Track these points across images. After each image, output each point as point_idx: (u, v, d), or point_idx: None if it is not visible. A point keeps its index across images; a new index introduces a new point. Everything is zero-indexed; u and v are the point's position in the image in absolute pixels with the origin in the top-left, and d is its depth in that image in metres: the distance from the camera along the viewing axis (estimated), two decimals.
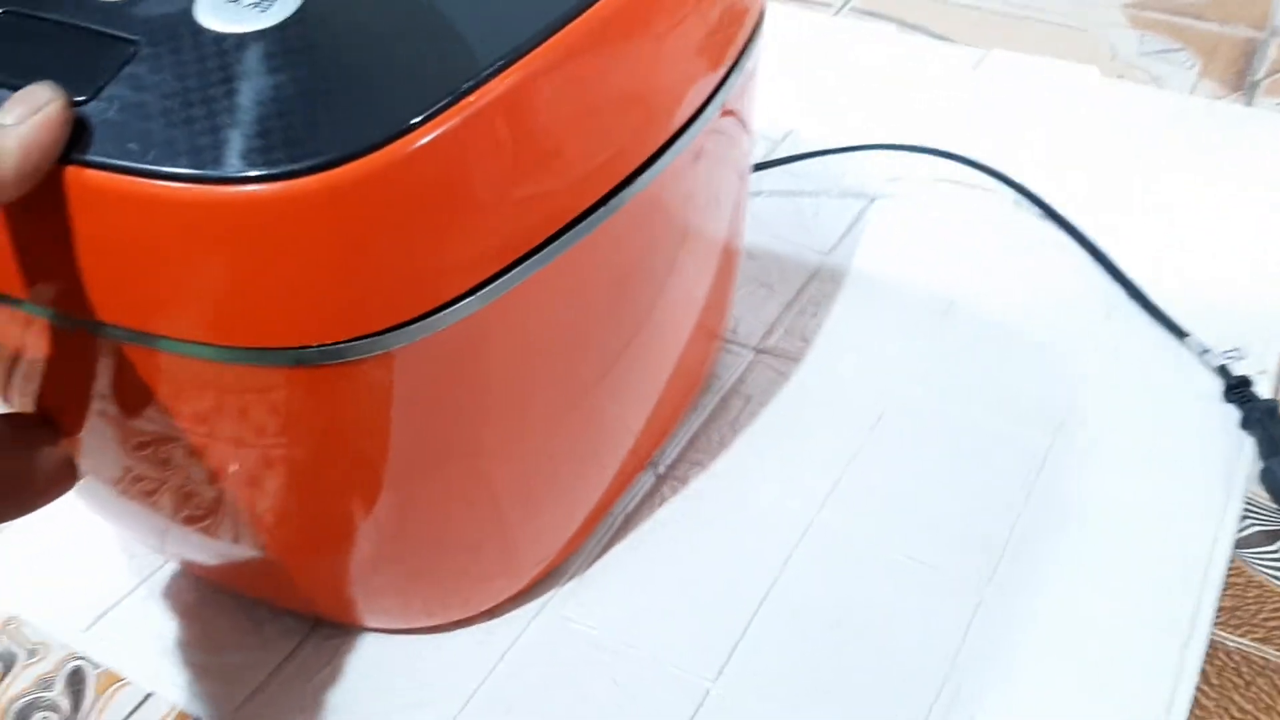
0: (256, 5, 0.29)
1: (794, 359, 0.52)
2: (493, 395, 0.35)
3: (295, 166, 0.26)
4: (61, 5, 0.29)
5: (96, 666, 0.41)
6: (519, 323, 0.33)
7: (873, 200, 0.60)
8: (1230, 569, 0.42)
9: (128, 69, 0.28)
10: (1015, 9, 0.79)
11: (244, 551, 0.38)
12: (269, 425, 0.32)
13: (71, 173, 0.27)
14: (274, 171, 0.26)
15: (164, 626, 0.43)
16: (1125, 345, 0.51)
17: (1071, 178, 0.60)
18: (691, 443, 0.48)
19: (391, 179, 0.27)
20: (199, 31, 0.28)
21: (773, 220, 0.60)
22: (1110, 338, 0.51)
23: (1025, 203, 0.59)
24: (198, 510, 0.36)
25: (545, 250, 0.32)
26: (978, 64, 0.71)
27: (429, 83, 0.28)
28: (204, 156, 0.26)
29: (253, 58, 0.28)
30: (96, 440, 0.34)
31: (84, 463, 0.35)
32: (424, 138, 0.27)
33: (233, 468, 0.33)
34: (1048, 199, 0.58)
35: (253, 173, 0.26)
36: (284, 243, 0.27)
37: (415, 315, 0.30)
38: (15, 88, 0.27)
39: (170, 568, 0.45)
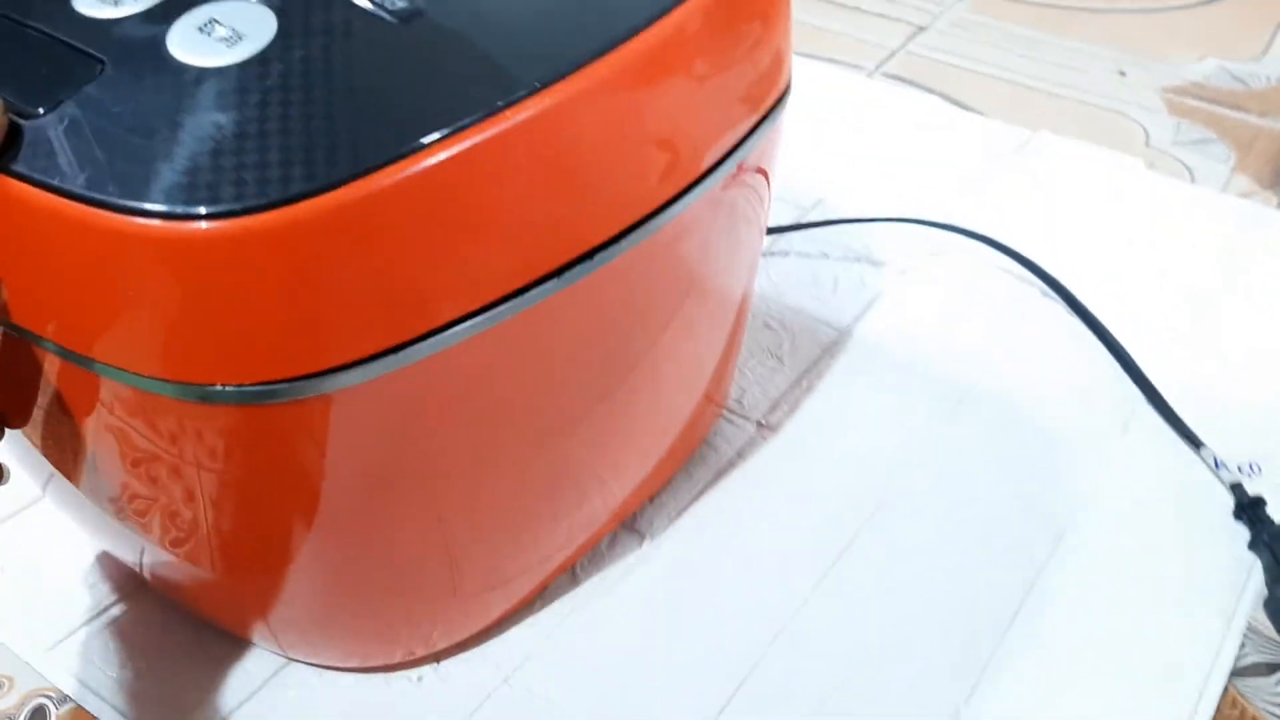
0: (226, 40, 0.29)
1: (797, 437, 0.51)
2: (443, 439, 0.34)
3: (230, 206, 0.26)
4: (46, 13, 0.30)
5: (60, 704, 0.41)
6: (477, 370, 0.32)
7: (896, 276, 0.59)
8: (1224, 699, 0.41)
9: (88, 88, 0.28)
10: (1052, 86, 0.78)
11: (178, 564, 0.37)
12: (203, 456, 0.31)
13: (12, 185, 0.27)
14: (211, 210, 0.26)
15: (125, 655, 0.42)
16: (1139, 449, 0.50)
17: (1100, 270, 0.59)
18: (681, 515, 0.47)
19: (336, 222, 0.27)
20: (165, 60, 0.28)
21: (791, 290, 0.59)
22: (1124, 440, 0.50)
23: (1052, 294, 0.58)
24: (140, 520, 0.36)
25: (510, 302, 0.31)
26: (1022, 146, 0.70)
27: (384, 128, 0.28)
28: (145, 187, 0.26)
29: (209, 93, 0.28)
30: (46, 436, 0.34)
31: (37, 449, 0.35)
32: (372, 184, 0.27)
33: (167, 489, 0.33)
34: (1075, 291, 0.57)
35: (189, 209, 0.26)
36: (220, 281, 0.27)
37: (358, 358, 0.29)
38: None
39: (135, 596, 0.44)
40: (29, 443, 0.35)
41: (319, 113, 0.28)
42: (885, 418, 0.51)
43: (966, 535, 0.46)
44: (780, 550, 0.46)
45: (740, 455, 0.50)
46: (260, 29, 0.29)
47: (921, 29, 0.84)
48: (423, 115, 0.28)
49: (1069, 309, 0.57)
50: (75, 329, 0.29)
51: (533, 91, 0.29)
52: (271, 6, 0.29)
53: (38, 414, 0.33)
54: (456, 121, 0.28)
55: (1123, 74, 0.79)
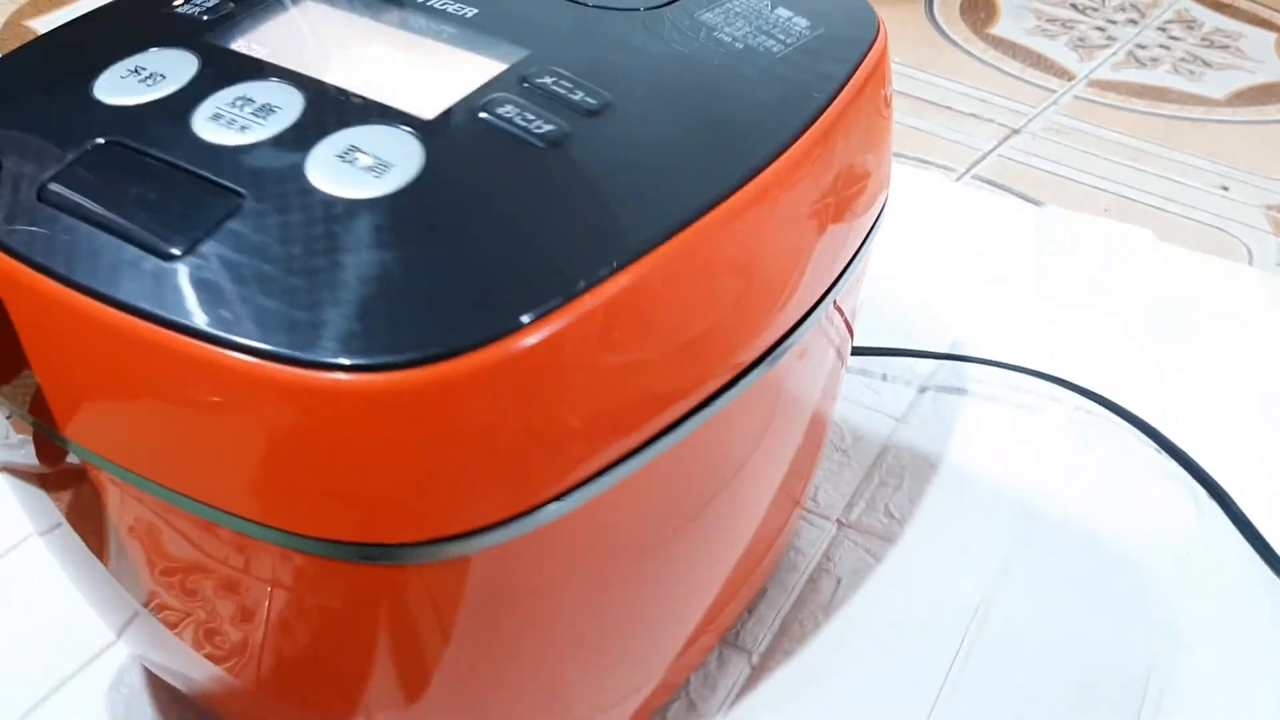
0: (372, 169, 0.27)
1: (882, 537, 0.48)
2: (565, 587, 0.32)
3: (391, 359, 0.24)
4: (168, 140, 0.28)
5: None
6: (603, 523, 0.31)
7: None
8: None
9: (229, 224, 0.26)
10: (1152, 198, 0.75)
11: (225, 682, 0.36)
12: (313, 610, 0.29)
13: (153, 332, 0.25)
14: (370, 361, 0.24)
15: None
16: (1220, 573, 0.47)
17: (1180, 402, 0.56)
18: (783, 628, 0.45)
19: (490, 381, 0.25)
20: (308, 192, 0.26)
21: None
22: (1219, 576, 0.48)
23: (1134, 429, 0.55)
24: (215, 648, 0.34)
25: (642, 453, 0.29)
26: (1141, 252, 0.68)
27: (541, 277, 0.26)
28: (296, 336, 0.24)
29: (361, 229, 0.26)
30: (121, 554, 0.32)
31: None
32: (528, 338, 0.25)
33: (264, 631, 0.31)
34: (1160, 428, 0.54)
35: (348, 360, 0.24)
36: (373, 436, 0.25)
37: (496, 521, 0.27)
38: (110, 226, 0.26)
39: (114, 658, 0.43)
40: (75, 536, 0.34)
41: (480, 253, 0.26)
42: (960, 519, 0.49)
43: (1070, 645, 0.44)
44: (884, 661, 0.44)
45: (827, 557, 0.48)
46: (406, 157, 0.27)
47: (1015, 131, 0.82)
48: (585, 255, 0.27)
49: (1160, 450, 0.54)
50: (202, 476, 0.27)
51: (685, 224, 0.28)
52: (413, 132, 0.28)
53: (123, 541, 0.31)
54: (615, 259, 0.27)
55: (1225, 189, 0.76)
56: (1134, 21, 1.01)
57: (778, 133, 0.31)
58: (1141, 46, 0.96)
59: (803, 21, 0.35)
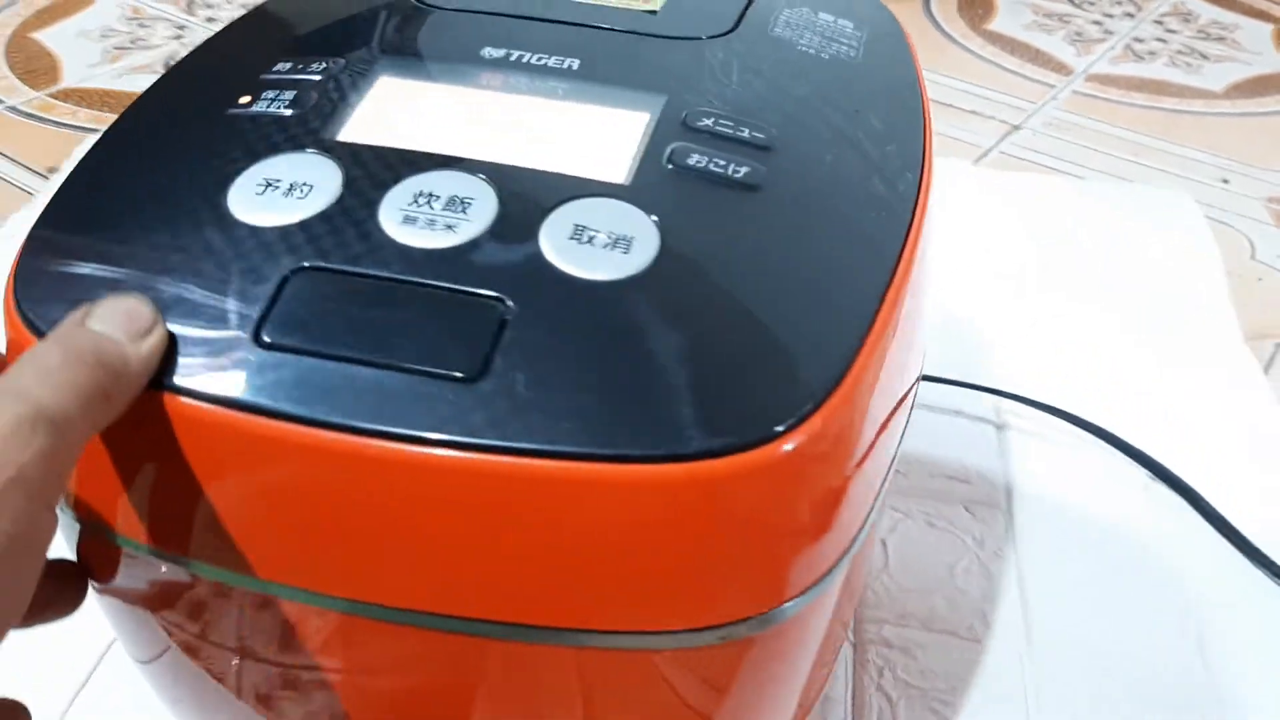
0: (614, 245, 0.26)
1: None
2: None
3: (748, 439, 0.23)
4: (378, 254, 0.26)
5: None
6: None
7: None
8: None
9: (508, 334, 0.24)
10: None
11: None
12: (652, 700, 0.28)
13: (480, 464, 0.23)
14: (725, 444, 0.23)
15: None
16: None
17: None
18: None
19: (810, 456, 0.24)
20: (568, 281, 0.25)
21: None
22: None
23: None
24: None
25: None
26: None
27: (824, 344, 0.25)
28: (634, 432, 0.23)
29: (640, 312, 0.25)
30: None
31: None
32: (836, 410, 0.24)
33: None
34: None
35: (700, 447, 0.23)
36: (739, 515, 0.24)
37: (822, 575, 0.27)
38: (376, 362, 0.23)
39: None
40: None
41: (764, 319, 0.25)
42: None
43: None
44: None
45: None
46: (636, 227, 0.26)
47: (1016, 128, 0.83)
48: (849, 315, 0.26)
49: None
50: (564, 600, 0.25)
51: (896, 266, 0.27)
52: (626, 199, 0.27)
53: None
54: (868, 319, 0.26)
55: (1226, 182, 0.77)
56: (1130, 15, 1.02)
57: (912, 148, 0.31)
58: (1139, 40, 0.97)
59: (846, 23, 0.36)
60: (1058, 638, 0.45)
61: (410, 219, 0.26)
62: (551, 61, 0.32)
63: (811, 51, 0.34)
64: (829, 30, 0.35)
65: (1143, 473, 0.53)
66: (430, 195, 0.27)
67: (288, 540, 0.25)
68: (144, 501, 0.25)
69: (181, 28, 0.89)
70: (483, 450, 0.23)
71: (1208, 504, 0.51)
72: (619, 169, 0.28)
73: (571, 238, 0.26)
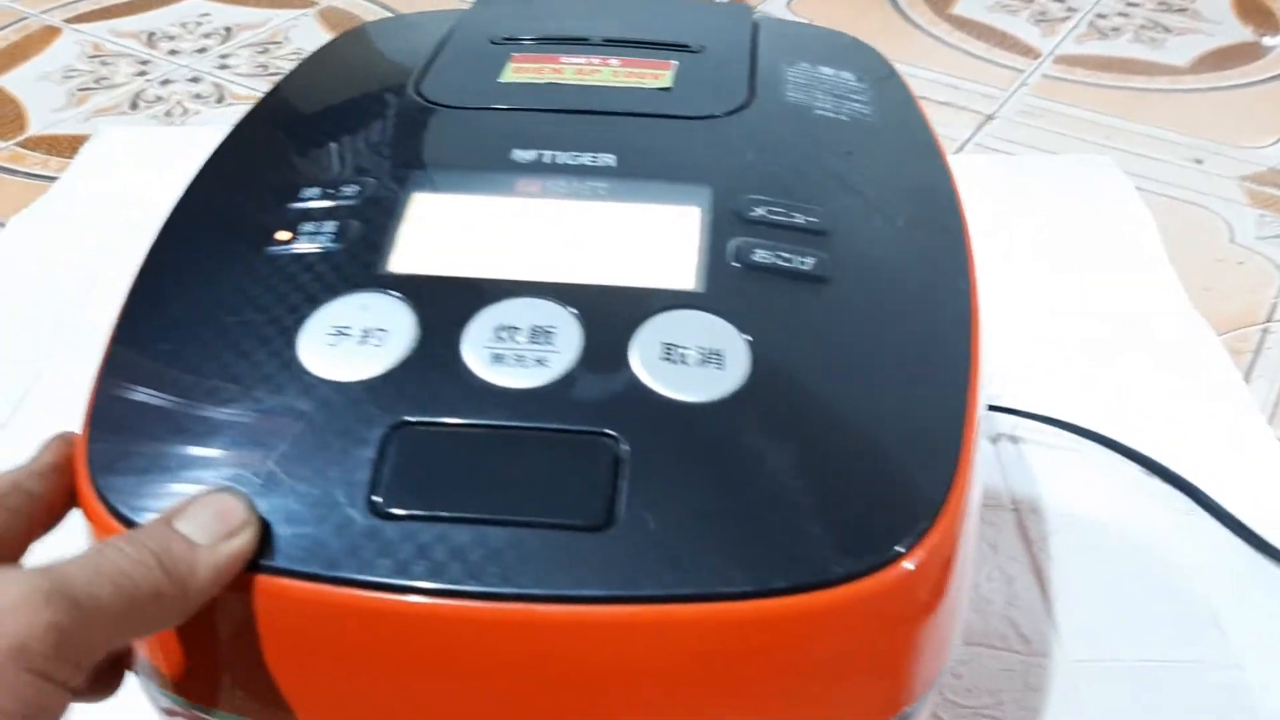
0: (706, 361, 0.25)
1: None
2: None
3: (881, 558, 0.23)
4: (472, 401, 0.25)
5: None
6: None
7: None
8: None
9: (627, 473, 0.23)
10: (1129, 177, 0.77)
11: None
12: None
13: (625, 614, 0.22)
14: (860, 567, 0.23)
15: None
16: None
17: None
18: None
19: (950, 553, 0.24)
20: (675, 407, 0.25)
21: None
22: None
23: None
24: None
25: None
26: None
27: (930, 458, 0.25)
28: (773, 565, 0.22)
29: (745, 434, 0.24)
30: None
31: None
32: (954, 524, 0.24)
33: None
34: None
35: (838, 572, 0.23)
36: (878, 629, 0.24)
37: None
38: (501, 522, 0.23)
39: None
40: None
41: (869, 427, 0.25)
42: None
43: None
44: None
45: None
46: (721, 337, 0.26)
47: (989, 118, 0.83)
48: (944, 413, 0.26)
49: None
50: None
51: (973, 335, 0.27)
52: (704, 308, 0.27)
53: None
54: (963, 409, 0.26)
55: (1199, 162, 0.78)
56: None
57: (948, 210, 0.31)
58: (1101, 16, 0.98)
59: (848, 75, 0.36)
60: (1087, 639, 0.46)
61: (498, 357, 0.25)
62: (586, 159, 0.31)
63: (830, 115, 0.34)
64: (836, 87, 0.36)
65: (1134, 468, 0.54)
66: (511, 329, 0.26)
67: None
68: (261, 687, 0.24)
69: (145, 63, 0.88)
70: (624, 601, 0.22)
71: (1206, 495, 0.52)
72: (686, 273, 0.28)
73: (663, 358, 0.25)
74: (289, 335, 0.26)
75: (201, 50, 0.90)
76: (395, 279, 0.28)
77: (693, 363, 0.25)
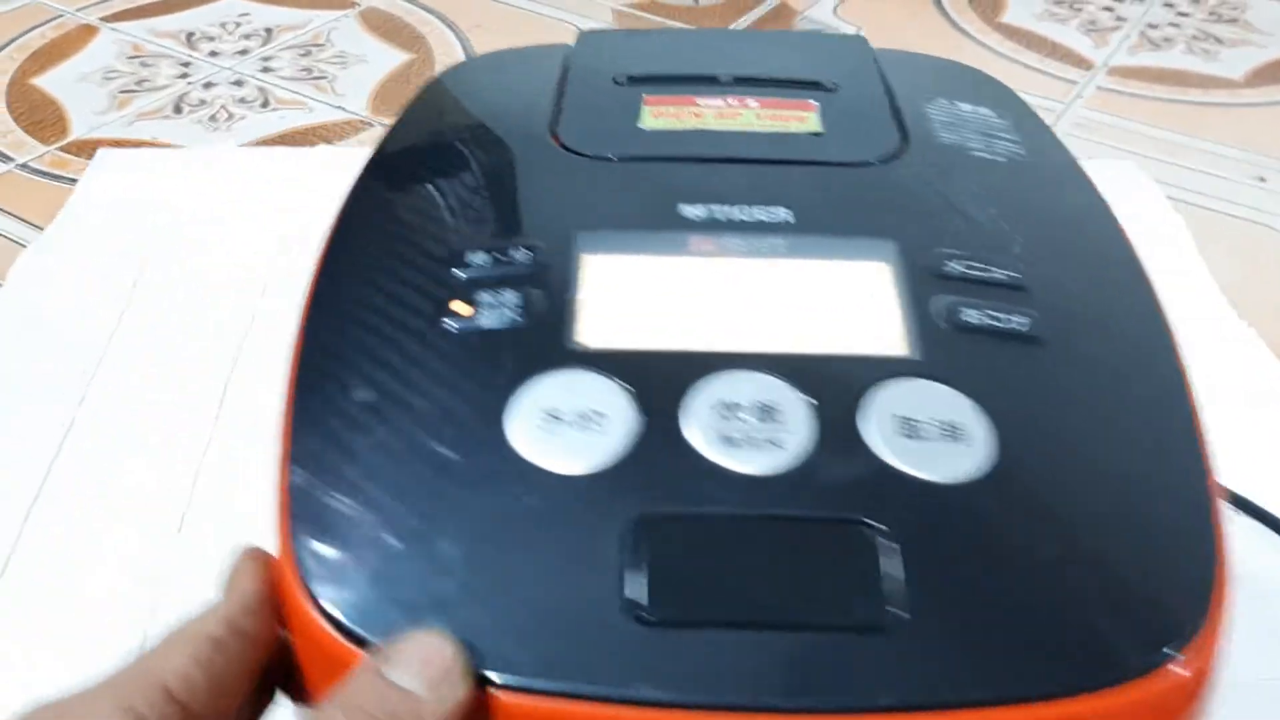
0: (946, 436, 0.24)
1: None
2: None
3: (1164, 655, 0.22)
4: (709, 488, 0.23)
5: None
6: None
7: None
8: None
9: (898, 566, 0.22)
10: (1187, 194, 0.76)
11: None
12: None
13: None
14: (1144, 664, 0.22)
15: None
16: None
17: None
18: None
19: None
20: (922, 489, 0.23)
21: None
22: None
23: None
24: None
25: None
26: None
27: (1192, 542, 0.23)
28: (1064, 667, 0.21)
29: (1008, 519, 0.23)
30: None
31: None
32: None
33: None
34: None
35: (1124, 672, 0.21)
36: None
37: None
38: (773, 626, 0.21)
39: None
40: None
41: (1124, 506, 0.24)
42: None
43: None
44: None
45: None
46: (955, 410, 0.24)
47: None
48: (1189, 487, 0.25)
49: None
50: None
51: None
52: (927, 378, 0.25)
53: None
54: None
55: (1263, 180, 0.77)
56: None
57: (1123, 248, 0.30)
58: (1152, 25, 0.97)
59: (986, 111, 0.35)
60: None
61: (728, 440, 0.24)
62: (760, 214, 0.30)
63: (986, 156, 0.33)
64: (980, 125, 0.34)
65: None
66: (732, 406, 0.24)
67: None
68: None
69: (186, 64, 0.86)
70: (913, 709, 0.21)
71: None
72: (895, 337, 0.26)
73: (902, 434, 0.24)
74: (495, 423, 0.25)
75: (243, 52, 0.88)
76: (594, 355, 0.26)
77: (933, 438, 0.24)
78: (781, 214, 0.30)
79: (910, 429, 0.24)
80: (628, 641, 0.21)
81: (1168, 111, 0.85)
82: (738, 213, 0.30)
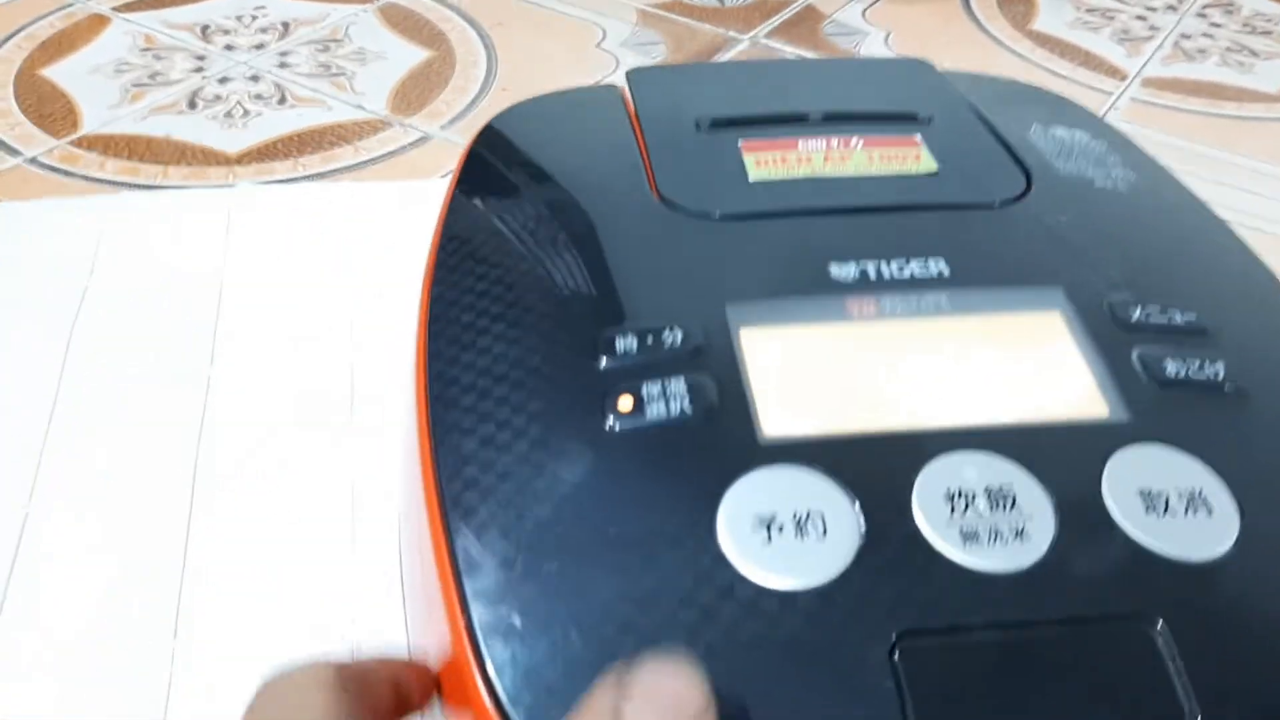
0: (1191, 509, 0.22)
1: None
2: None
3: None
4: (972, 598, 0.21)
5: None
6: None
7: None
8: None
9: (1188, 669, 0.20)
10: (1223, 210, 0.74)
11: None
12: None
13: None
14: None
15: None
16: None
17: None
18: None
19: None
20: (1185, 572, 0.21)
21: None
22: None
23: None
24: None
25: None
26: None
27: None
28: None
29: (1267, 596, 0.21)
30: None
31: None
32: None
33: None
34: None
35: None
36: None
37: None
38: None
39: None
40: None
41: None
42: None
43: None
44: None
45: None
46: (1187, 477, 0.23)
47: None
48: None
49: None
50: None
51: None
52: (1155, 439, 0.23)
53: None
54: None
55: None
56: (1173, 8, 0.99)
57: (1260, 267, 0.29)
58: (1185, 36, 0.95)
59: (1082, 136, 0.33)
60: None
61: (969, 535, 0.21)
62: (915, 268, 0.27)
63: (1109, 188, 0.31)
64: (1092, 153, 0.32)
65: None
66: (963, 495, 0.22)
67: None
68: None
69: (201, 58, 0.84)
70: None
71: None
72: (1093, 396, 0.24)
73: (1148, 513, 0.22)
74: (698, 532, 0.22)
75: (259, 46, 0.86)
76: (791, 447, 0.23)
77: (1179, 513, 0.22)
78: (937, 266, 0.27)
79: (1153, 503, 0.22)
80: None
81: (1203, 125, 0.83)
82: (891, 270, 0.27)
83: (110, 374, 0.54)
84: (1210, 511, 0.22)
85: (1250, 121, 0.84)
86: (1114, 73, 0.89)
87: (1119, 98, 0.86)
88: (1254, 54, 0.92)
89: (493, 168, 0.33)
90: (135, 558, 0.45)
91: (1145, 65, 0.90)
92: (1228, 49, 0.93)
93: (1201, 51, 0.93)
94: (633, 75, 0.36)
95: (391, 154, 0.73)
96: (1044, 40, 0.93)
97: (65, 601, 0.43)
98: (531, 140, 0.34)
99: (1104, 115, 0.83)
